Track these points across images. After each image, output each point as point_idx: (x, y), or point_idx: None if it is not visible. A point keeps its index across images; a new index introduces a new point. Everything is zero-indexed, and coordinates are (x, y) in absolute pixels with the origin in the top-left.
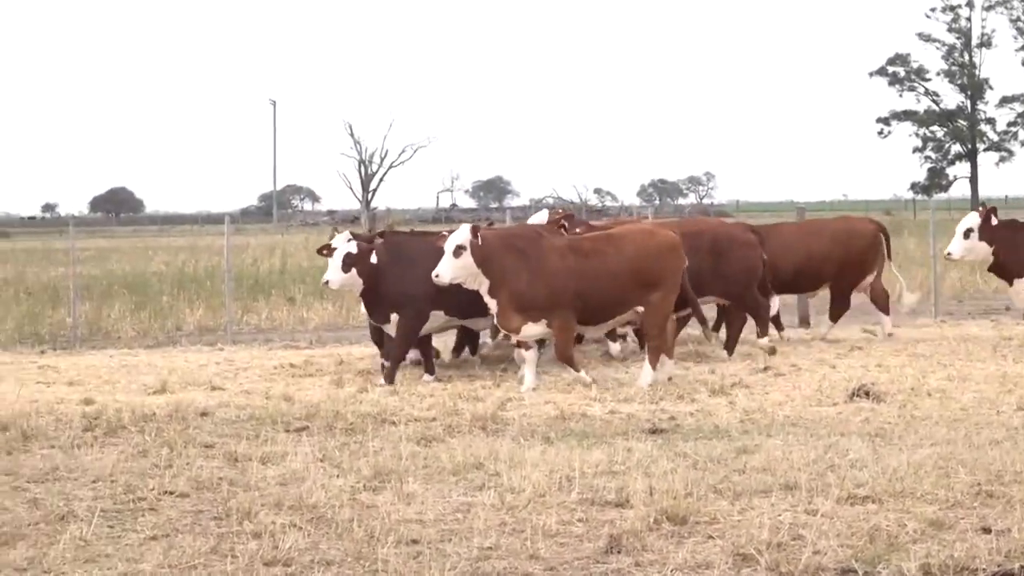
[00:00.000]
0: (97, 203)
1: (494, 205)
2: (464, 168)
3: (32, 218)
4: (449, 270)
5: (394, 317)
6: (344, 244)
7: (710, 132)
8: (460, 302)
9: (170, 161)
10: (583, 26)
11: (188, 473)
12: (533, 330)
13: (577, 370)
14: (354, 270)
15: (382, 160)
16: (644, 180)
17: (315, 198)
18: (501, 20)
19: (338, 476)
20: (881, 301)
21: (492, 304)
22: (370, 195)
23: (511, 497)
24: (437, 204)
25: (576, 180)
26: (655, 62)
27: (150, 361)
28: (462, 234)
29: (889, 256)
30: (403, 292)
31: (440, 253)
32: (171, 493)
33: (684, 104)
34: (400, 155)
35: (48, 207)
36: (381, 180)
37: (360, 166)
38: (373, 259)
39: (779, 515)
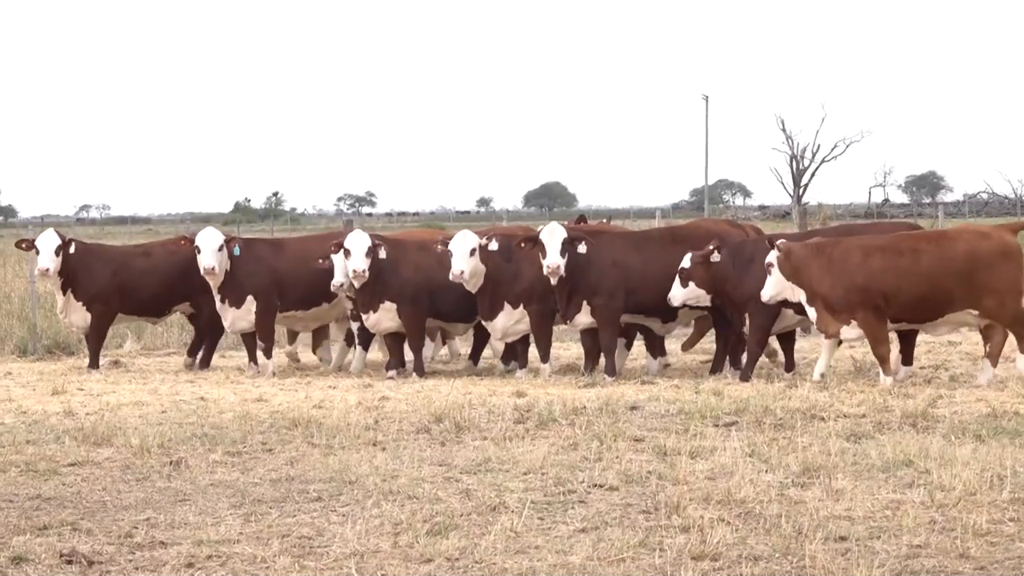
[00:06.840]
0: (530, 197)
1: (926, 200)
2: (897, 162)
3: (466, 212)
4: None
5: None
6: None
7: None
8: None
9: (603, 156)
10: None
11: (617, 466)
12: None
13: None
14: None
15: (814, 155)
16: None
17: (746, 193)
18: (936, 10)
19: (766, 471)
20: None
21: None
22: (801, 190)
23: (941, 495)
24: (869, 199)
25: (1011, 175)
26: None
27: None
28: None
29: None
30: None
31: None
32: (600, 486)
33: None
34: (832, 149)
35: (483, 201)
36: (813, 175)
37: (792, 161)
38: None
39: None
